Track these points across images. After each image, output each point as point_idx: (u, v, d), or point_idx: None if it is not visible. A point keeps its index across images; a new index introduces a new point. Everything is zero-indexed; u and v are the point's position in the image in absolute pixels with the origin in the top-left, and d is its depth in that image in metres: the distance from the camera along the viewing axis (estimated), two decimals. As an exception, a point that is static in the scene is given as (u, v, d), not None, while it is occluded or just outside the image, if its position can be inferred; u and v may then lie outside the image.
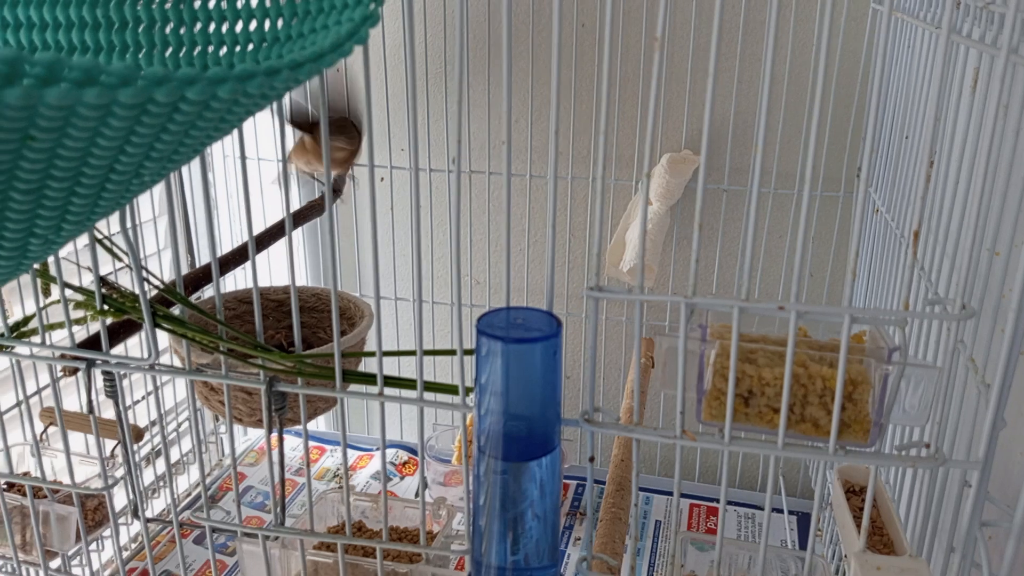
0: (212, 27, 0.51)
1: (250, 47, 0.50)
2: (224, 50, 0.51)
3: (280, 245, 0.96)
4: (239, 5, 0.50)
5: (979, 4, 0.63)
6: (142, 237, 1.16)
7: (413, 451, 1.38)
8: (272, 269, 1.33)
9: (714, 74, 0.45)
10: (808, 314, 0.47)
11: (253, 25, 0.50)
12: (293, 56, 0.38)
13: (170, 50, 0.52)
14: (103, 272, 0.60)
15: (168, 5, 0.51)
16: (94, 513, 0.89)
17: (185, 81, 0.31)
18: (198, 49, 0.51)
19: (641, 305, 0.51)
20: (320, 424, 1.51)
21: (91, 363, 0.61)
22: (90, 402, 0.61)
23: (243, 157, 0.57)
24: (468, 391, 0.54)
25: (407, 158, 1.30)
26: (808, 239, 1.19)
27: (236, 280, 1.31)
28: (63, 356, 0.62)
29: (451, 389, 0.56)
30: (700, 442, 0.50)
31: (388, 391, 0.57)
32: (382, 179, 1.34)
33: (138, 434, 0.87)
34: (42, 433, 0.93)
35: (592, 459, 0.54)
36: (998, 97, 0.44)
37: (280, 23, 0.49)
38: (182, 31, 0.51)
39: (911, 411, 0.49)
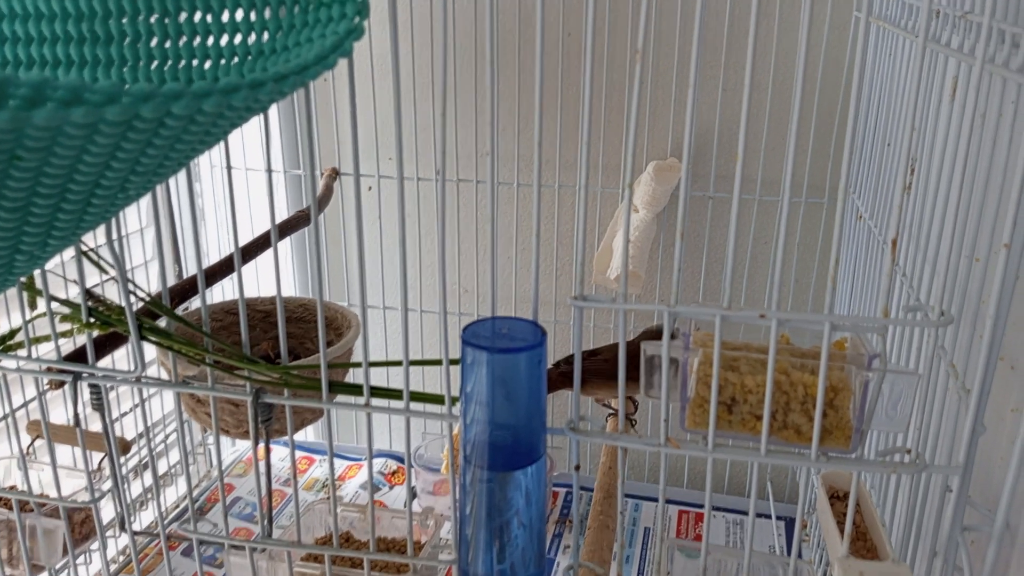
0: (197, 41, 0.51)
1: (235, 60, 0.50)
2: (209, 64, 0.52)
3: (268, 255, 0.96)
4: (224, 19, 0.50)
5: (957, 13, 0.64)
6: (129, 248, 1.16)
7: (402, 460, 1.38)
8: (261, 279, 1.33)
9: (695, 85, 0.45)
10: (789, 322, 0.48)
11: (238, 39, 0.50)
12: (278, 69, 0.38)
13: (155, 64, 0.52)
14: (89, 284, 0.60)
15: (154, 19, 0.51)
16: (81, 526, 0.89)
17: (170, 96, 0.31)
18: (183, 63, 0.52)
19: (625, 314, 0.51)
20: (308, 434, 1.51)
21: (77, 376, 0.61)
22: (76, 415, 0.61)
23: (228, 168, 0.58)
24: (454, 401, 0.55)
25: (395, 167, 1.31)
26: (792, 247, 1.20)
27: (224, 290, 1.31)
28: (49, 369, 0.62)
29: (438, 399, 0.57)
30: (684, 450, 0.51)
31: (375, 402, 0.57)
32: (370, 188, 1.34)
33: (125, 446, 0.87)
34: (29, 446, 0.92)
35: (578, 468, 0.55)
36: (974, 105, 0.45)
37: (265, 36, 0.49)
38: (167, 45, 0.52)
39: (892, 417, 0.49)
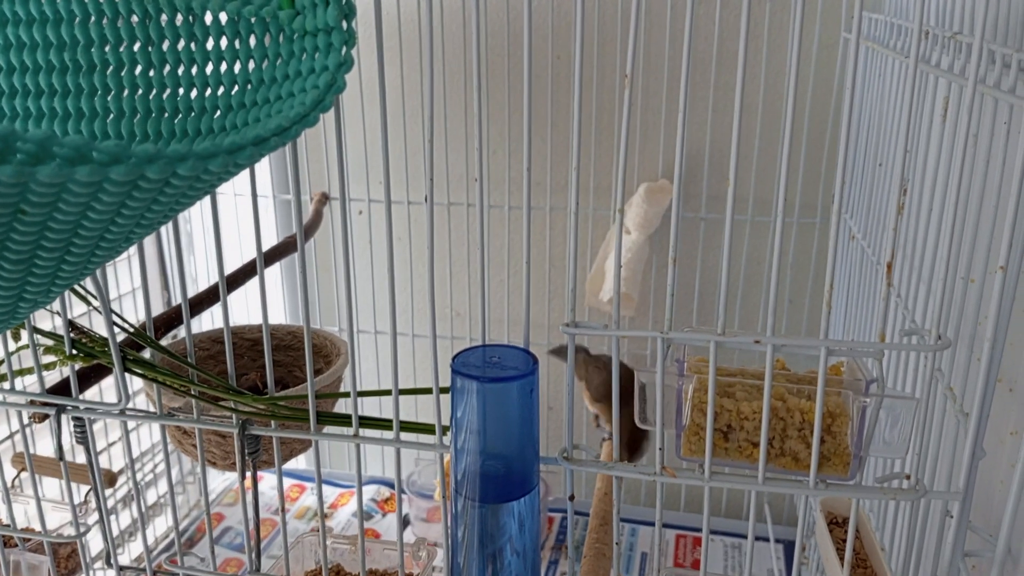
0: (182, 69, 0.51)
1: (221, 90, 0.50)
2: (195, 92, 0.51)
3: (258, 281, 0.95)
4: (208, 47, 0.50)
5: (947, 34, 0.63)
6: (116, 276, 1.15)
7: (395, 487, 1.37)
8: (250, 306, 1.32)
9: (685, 109, 0.45)
10: (785, 347, 0.47)
11: (223, 67, 0.49)
12: (278, 122, 0.39)
13: (140, 92, 0.52)
14: (75, 314, 0.59)
15: (137, 47, 0.51)
16: (67, 561, 0.87)
17: (175, 158, 0.31)
18: (168, 92, 0.51)
19: (618, 340, 0.51)
20: (300, 462, 1.49)
21: (61, 409, 0.60)
22: (60, 449, 0.60)
23: (214, 194, 0.57)
24: (445, 430, 0.54)
25: (383, 192, 1.30)
26: (786, 268, 1.20)
27: (213, 318, 1.30)
28: (32, 402, 0.61)
29: (428, 429, 0.56)
30: (681, 478, 0.50)
31: (365, 432, 0.56)
32: (360, 212, 1.33)
33: (111, 479, 0.85)
34: (14, 479, 0.91)
35: (572, 497, 0.54)
36: (967, 126, 0.44)
37: (251, 66, 0.49)
38: (151, 73, 0.51)
39: (890, 443, 0.48)
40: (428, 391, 0.54)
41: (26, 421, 0.65)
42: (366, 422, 0.56)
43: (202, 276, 1.34)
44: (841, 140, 0.44)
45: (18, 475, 0.91)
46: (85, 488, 0.89)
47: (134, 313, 1.19)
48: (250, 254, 1.08)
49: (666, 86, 1.18)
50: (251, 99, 0.49)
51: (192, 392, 0.57)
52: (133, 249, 1.17)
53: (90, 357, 0.58)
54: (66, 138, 0.28)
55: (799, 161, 1.15)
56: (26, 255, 0.34)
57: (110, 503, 1.12)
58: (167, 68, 0.51)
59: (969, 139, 0.49)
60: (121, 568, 0.67)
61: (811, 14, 1.10)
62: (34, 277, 0.37)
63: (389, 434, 0.55)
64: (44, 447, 1.01)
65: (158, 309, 1.26)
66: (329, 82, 0.43)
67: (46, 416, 0.61)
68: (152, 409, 0.61)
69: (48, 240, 0.33)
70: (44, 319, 0.89)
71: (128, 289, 1.18)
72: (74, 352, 0.58)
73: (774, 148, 1.17)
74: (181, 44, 0.49)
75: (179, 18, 0.48)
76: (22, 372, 0.62)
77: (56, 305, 0.58)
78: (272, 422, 0.57)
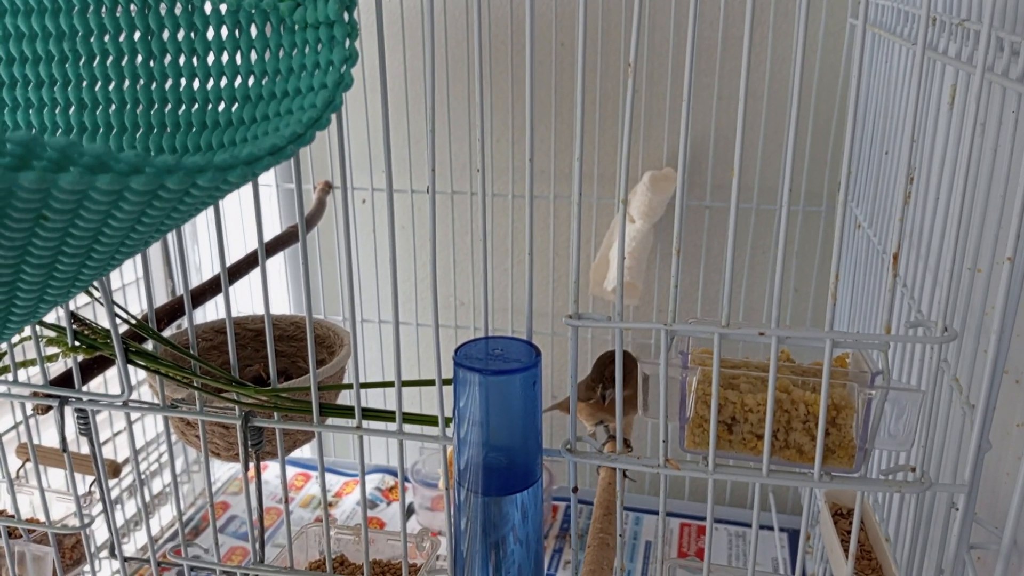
0: (183, 59, 0.50)
1: (224, 80, 0.49)
2: (197, 83, 0.50)
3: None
4: (209, 36, 0.49)
5: (954, 21, 0.63)
6: (121, 265, 1.15)
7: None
8: (254, 296, 1.32)
9: (689, 97, 0.44)
10: (790, 338, 0.47)
11: (225, 57, 0.49)
12: (293, 129, 0.39)
13: (141, 82, 0.51)
14: (77, 304, 0.59)
15: (137, 37, 0.50)
16: (72, 551, 0.87)
17: (195, 170, 0.32)
18: (170, 82, 0.51)
19: (621, 332, 0.50)
20: (305, 451, 1.49)
21: (64, 400, 0.60)
22: (63, 440, 0.60)
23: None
24: (448, 421, 0.53)
25: (385, 181, 1.29)
26: (791, 256, 1.19)
27: (217, 308, 1.30)
28: (35, 394, 0.61)
29: (431, 420, 0.56)
30: (685, 471, 0.50)
31: (367, 423, 0.56)
32: (364, 201, 1.33)
33: (115, 469, 0.85)
34: (19, 470, 0.91)
35: (575, 489, 0.53)
36: (975, 115, 0.44)
37: (253, 56, 0.48)
38: (152, 63, 0.51)
39: (896, 435, 0.48)
40: (431, 383, 0.54)
41: (29, 413, 0.65)
42: (369, 414, 0.56)
43: (206, 266, 1.34)
44: (847, 128, 0.43)
45: (23, 466, 0.91)
46: (89, 479, 0.89)
47: (138, 303, 1.19)
48: (254, 243, 1.08)
49: (671, 73, 1.17)
50: (257, 93, 0.48)
51: (194, 384, 0.57)
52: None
53: (92, 349, 0.58)
54: (88, 146, 0.29)
55: (805, 149, 1.14)
56: (48, 259, 0.35)
57: (114, 494, 1.12)
58: (167, 58, 0.50)
59: (977, 128, 0.48)
60: (125, 559, 0.67)
61: (817, 0, 1.09)
62: (55, 280, 0.37)
63: (392, 426, 0.55)
64: (49, 438, 1.01)
65: (162, 299, 1.26)
66: (336, 80, 0.43)
67: (49, 407, 0.61)
68: (155, 400, 0.61)
69: (69, 246, 0.34)
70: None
71: (131, 279, 1.18)
72: (76, 344, 0.58)
73: (780, 136, 1.16)
74: (181, 34, 0.49)
75: (178, 8, 0.48)
76: (25, 364, 0.62)
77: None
78: (275, 414, 0.57)
